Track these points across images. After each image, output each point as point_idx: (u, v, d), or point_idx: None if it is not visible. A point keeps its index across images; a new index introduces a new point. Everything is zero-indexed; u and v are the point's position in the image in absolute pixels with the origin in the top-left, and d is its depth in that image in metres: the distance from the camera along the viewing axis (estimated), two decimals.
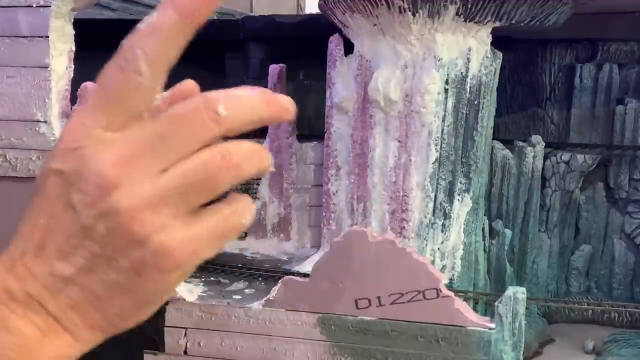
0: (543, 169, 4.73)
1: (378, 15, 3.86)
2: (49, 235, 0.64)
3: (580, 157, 4.78)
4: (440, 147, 3.99)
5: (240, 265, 4.19)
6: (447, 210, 4.07)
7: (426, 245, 4.04)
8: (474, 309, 3.83)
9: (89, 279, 0.64)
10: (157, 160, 0.63)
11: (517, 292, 3.17)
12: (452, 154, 4.04)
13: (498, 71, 4.16)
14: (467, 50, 3.96)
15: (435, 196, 4.05)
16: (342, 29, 4.19)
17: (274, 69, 4.73)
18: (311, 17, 5.79)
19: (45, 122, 3.72)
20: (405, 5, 3.71)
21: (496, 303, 3.20)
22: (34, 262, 0.64)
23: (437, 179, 4.03)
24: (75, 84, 3.83)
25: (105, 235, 0.62)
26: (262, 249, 4.68)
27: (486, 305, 4.16)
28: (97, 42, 5.10)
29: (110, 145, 0.63)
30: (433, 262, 3.98)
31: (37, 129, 3.73)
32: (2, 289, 0.64)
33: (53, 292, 0.64)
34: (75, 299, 0.65)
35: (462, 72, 3.96)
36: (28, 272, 0.64)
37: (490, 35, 4.04)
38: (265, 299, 3.41)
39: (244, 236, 4.81)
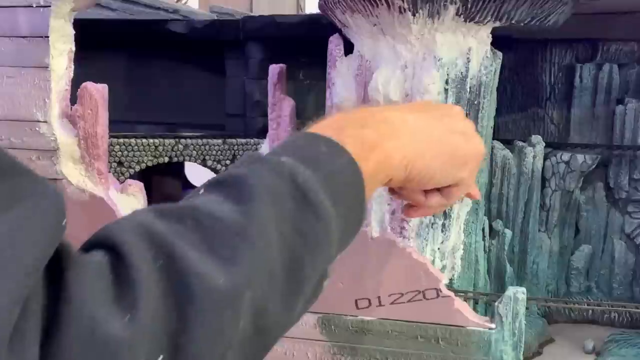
0: (543, 169, 4.73)
1: (378, 15, 3.86)
2: None
3: (580, 157, 4.78)
4: None
5: None
6: (447, 210, 4.07)
7: (426, 245, 4.04)
8: (474, 309, 3.83)
9: None
10: None
11: (517, 292, 3.17)
12: None
13: (498, 71, 4.16)
14: (467, 50, 3.96)
15: None
16: (342, 29, 4.19)
17: (274, 69, 4.72)
18: (311, 17, 5.79)
19: (45, 122, 3.72)
20: (405, 5, 3.71)
21: (496, 303, 3.20)
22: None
23: None
24: (75, 84, 3.83)
25: None
26: None
27: (486, 305, 4.16)
28: (97, 42, 5.12)
29: None
30: (433, 262, 3.98)
31: (37, 129, 3.73)
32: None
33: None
34: None
35: (462, 72, 3.96)
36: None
37: (490, 35, 4.04)
38: None
39: None
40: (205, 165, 5.05)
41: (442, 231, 4.08)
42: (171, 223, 0.60)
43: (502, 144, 4.64)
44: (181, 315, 0.55)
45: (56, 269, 0.53)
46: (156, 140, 4.88)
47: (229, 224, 0.61)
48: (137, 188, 3.93)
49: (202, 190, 0.67)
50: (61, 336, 0.51)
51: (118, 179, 4.36)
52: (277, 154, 0.69)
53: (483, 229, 4.38)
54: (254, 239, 0.61)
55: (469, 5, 3.73)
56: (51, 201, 0.55)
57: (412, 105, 0.86)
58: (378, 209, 4.14)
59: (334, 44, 4.21)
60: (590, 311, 4.78)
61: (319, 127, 0.75)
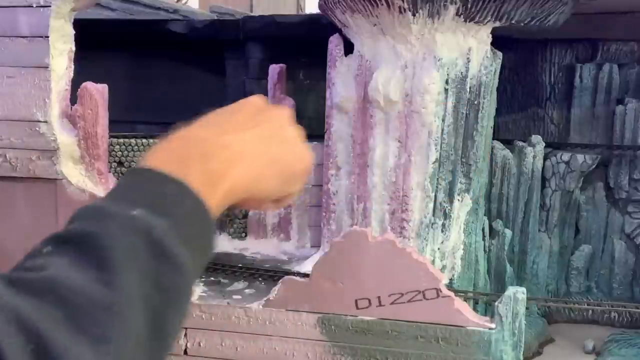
0: (543, 169, 4.73)
1: (378, 15, 3.86)
2: None
3: (580, 157, 4.78)
4: (440, 147, 3.99)
5: (240, 265, 4.19)
6: (447, 210, 4.07)
7: (426, 245, 4.04)
8: (474, 309, 3.84)
9: None
10: None
11: (517, 292, 3.17)
12: (452, 154, 4.04)
13: (498, 71, 4.16)
14: (467, 50, 3.96)
15: (435, 196, 4.05)
16: (342, 29, 4.19)
17: (274, 69, 4.73)
18: (311, 17, 5.79)
19: (45, 122, 3.72)
20: (405, 5, 3.71)
21: (496, 303, 3.20)
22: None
23: (437, 179, 4.03)
24: (75, 84, 3.83)
25: None
26: (262, 249, 4.68)
27: (486, 305, 4.16)
28: (97, 42, 5.12)
29: None
30: (433, 262, 3.98)
31: (37, 129, 3.73)
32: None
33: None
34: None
35: (462, 72, 3.96)
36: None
37: (490, 35, 4.04)
38: (265, 299, 3.41)
39: (244, 236, 4.81)
40: None
41: (442, 231, 4.08)
42: (33, 299, 0.59)
43: (502, 144, 4.64)
44: None
45: None
46: (156, 140, 4.89)
47: (93, 299, 0.60)
48: None
49: (48, 248, 0.65)
50: None
51: (118, 179, 4.36)
52: (125, 204, 0.68)
53: (483, 229, 4.38)
54: (121, 312, 0.61)
55: (469, 5, 3.74)
56: None
57: (245, 117, 0.86)
58: (378, 209, 4.14)
59: (334, 44, 4.21)
60: (590, 311, 4.78)
61: (161, 157, 0.76)
